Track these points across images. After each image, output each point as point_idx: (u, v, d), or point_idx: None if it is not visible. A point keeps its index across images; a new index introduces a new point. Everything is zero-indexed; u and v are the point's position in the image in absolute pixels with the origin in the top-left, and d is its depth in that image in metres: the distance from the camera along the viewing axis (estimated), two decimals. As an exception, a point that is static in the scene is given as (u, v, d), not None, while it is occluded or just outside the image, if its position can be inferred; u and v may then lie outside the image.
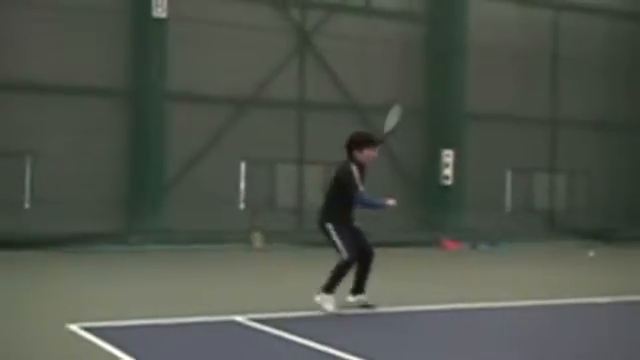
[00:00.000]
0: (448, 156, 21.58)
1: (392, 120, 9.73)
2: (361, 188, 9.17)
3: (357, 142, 9.30)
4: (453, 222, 21.24)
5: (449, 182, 21.56)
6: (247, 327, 8.33)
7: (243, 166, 20.56)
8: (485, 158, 22.53)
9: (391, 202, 9.21)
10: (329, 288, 9.19)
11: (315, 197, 21.28)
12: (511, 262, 17.25)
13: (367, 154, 9.24)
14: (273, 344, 7.63)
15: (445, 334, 8.48)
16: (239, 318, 8.68)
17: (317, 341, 7.48)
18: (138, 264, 15.34)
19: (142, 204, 18.73)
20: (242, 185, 20.53)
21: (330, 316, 9.15)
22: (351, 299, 9.50)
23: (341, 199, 9.32)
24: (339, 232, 9.19)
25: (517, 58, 23.40)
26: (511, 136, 23.22)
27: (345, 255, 9.17)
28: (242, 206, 20.43)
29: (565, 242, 21.74)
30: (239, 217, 19.94)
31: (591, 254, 18.71)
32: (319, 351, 7.19)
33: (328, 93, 21.22)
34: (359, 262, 9.37)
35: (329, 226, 9.25)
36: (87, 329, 7.91)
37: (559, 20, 23.93)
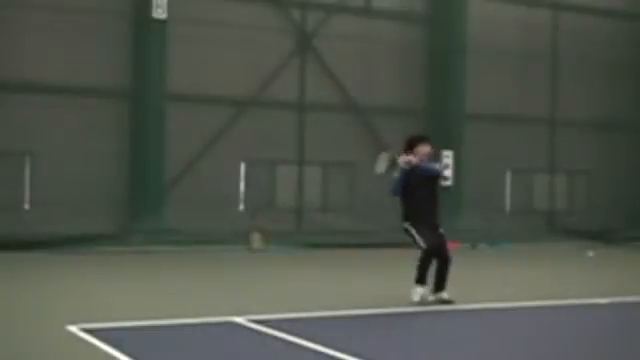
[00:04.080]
0: (448, 157, 21.57)
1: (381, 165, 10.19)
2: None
3: (410, 143, 10.15)
4: (453, 222, 21.21)
5: (449, 183, 21.54)
6: (246, 328, 8.33)
7: (243, 166, 20.56)
8: (485, 159, 22.52)
9: (400, 160, 9.87)
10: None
11: (315, 198, 21.35)
12: (511, 262, 17.25)
13: (420, 150, 10.04)
14: (272, 345, 7.62)
15: (445, 334, 8.48)
16: (238, 319, 8.68)
17: (316, 342, 7.47)
18: (138, 265, 15.33)
19: (142, 204, 18.73)
20: (242, 186, 20.53)
21: (330, 317, 9.16)
22: (431, 297, 10.03)
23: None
24: (415, 228, 9.89)
25: (517, 58, 23.40)
26: (511, 136, 23.21)
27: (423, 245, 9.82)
28: (242, 207, 20.43)
29: (565, 242, 21.73)
30: (239, 218, 19.93)
31: (591, 254, 18.71)
32: (319, 352, 7.18)
33: (328, 94, 21.21)
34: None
35: (406, 224, 9.98)
36: (86, 330, 7.91)
37: (559, 20, 23.92)
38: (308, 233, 20.22)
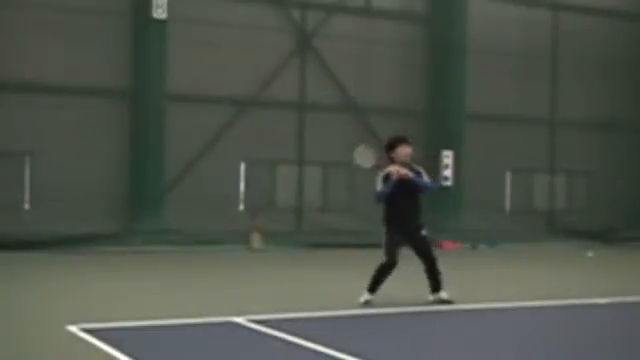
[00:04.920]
0: (448, 157, 21.57)
1: (364, 159, 10.19)
2: (379, 188, 9.87)
3: (390, 145, 9.99)
4: (453, 223, 21.23)
5: (449, 183, 21.55)
6: (246, 328, 8.33)
7: (243, 166, 20.56)
8: (485, 159, 22.53)
9: (393, 172, 9.72)
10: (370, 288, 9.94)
11: (315, 198, 21.35)
12: (511, 262, 17.25)
13: (401, 152, 9.85)
14: (272, 345, 7.63)
15: (445, 335, 8.48)
16: (238, 319, 8.67)
17: (316, 342, 7.47)
18: (138, 265, 15.34)
19: (142, 204, 18.73)
20: (242, 185, 20.53)
21: (330, 317, 9.16)
22: (430, 298, 10.08)
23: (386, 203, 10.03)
24: (387, 236, 9.89)
25: (517, 58, 23.40)
26: (511, 137, 23.22)
27: (384, 258, 9.84)
28: (242, 207, 20.43)
29: (565, 242, 21.73)
30: (239, 218, 19.93)
31: (590, 254, 18.71)
32: (318, 352, 7.18)
33: (328, 93, 21.22)
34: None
35: (384, 228, 9.93)
36: (86, 330, 7.91)
37: (559, 20, 23.93)
38: (308, 233, 20.22)
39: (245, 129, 20.29)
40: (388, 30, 22.00)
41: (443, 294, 10.05)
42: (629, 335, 8.60)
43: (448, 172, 21.57)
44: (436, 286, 10.05)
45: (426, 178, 10.11)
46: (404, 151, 9.86)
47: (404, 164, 9.85)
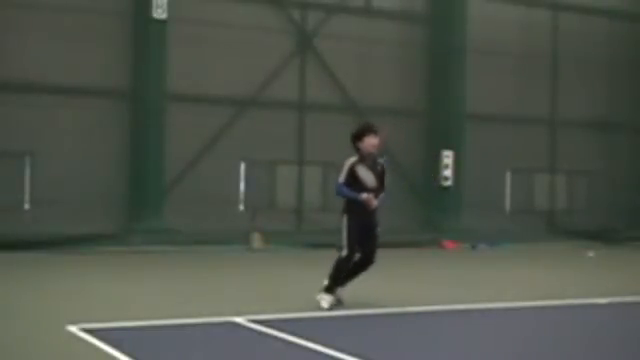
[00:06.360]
0: (448, 157, 21.57)
1: None
2: (341, 179, 9.78)
3: (356, 134, 9.66)
4: (453, 223, 21.24)
5: (449, 183, 21.55)
6: (246, 328, 8.33)
7: (243, 167, 20.56)
8: (485, 159, 22.53)
9: (364, 196, 9.48)
10: (328, 288, 9.52)
11: (314, 198, 21.33)
12: (511, 262, 17.25)
13: (368, 142, 9.52)
14: (272, 345, 7.62)
15: (445, 335, 8.48)
16: (238, 319, 8.67)
17: (316, 342, 7.47)
18: (138, 265, 15.34)
19: (142, 204, 18.72)
20: (242, 186, 20.53)
21: (330, 317, 9.16)
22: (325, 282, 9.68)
23: None
24: (348, 226, 9.63)
25: (517, 58, 23.40)
26: (511, 137, 23.22)
27: (344, 251, 9.57)
28: (242, 207, 20.43)
29: (565, 242, 21.73)
30: (239, 218, 19.93)
31: (591, 254, 18.72)
32: (319, 352, 7.18)
33: (328, 94, 21.21)
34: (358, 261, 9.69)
35: (344, 218, 9.68)
36: (86, 330, 7.91)
37: (559, 20, 23.93)
38: (308, 233, 20.20)
39: (245, 129, 20.28)
40: (388, 30, 21.99)
41: (341, 292, 9.70)
42: (629, 335, 8.59)
43: (448, 172, 21.57)
44: (332, 285, 9.56)
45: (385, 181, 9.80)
46: (371, 142, 9.48)
47: (370, 154, 9.58)
